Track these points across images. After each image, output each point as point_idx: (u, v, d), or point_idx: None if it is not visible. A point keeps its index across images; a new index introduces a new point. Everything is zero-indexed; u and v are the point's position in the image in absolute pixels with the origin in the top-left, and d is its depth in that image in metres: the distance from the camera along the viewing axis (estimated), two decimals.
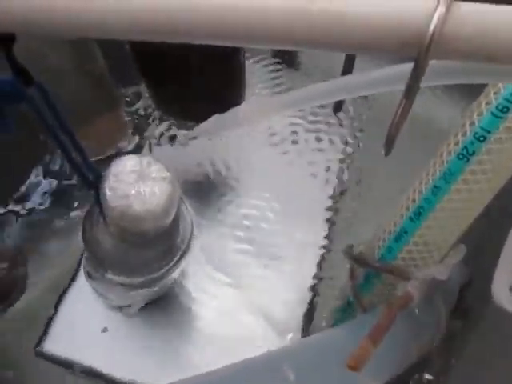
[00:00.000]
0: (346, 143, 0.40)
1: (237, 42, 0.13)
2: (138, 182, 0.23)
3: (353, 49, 0.14)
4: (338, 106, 0.37)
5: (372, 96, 0.41)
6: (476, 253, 0.31)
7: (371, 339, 0.20)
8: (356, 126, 0.40)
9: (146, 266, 0.27)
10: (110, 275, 0.27)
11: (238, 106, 0.25)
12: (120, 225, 0.23)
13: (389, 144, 0.18)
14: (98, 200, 0.23)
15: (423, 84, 0.16)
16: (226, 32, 0.14)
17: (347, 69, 0.29)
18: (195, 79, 0.35)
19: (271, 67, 0.44)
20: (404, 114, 0.17)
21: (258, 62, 0.44)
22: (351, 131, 0.40)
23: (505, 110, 0.22)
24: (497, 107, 0.22)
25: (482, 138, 0.22)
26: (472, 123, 0.23)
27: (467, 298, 0.34)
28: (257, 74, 0.43)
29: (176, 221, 0.28)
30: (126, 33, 0.15)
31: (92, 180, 0.23)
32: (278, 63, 0.44)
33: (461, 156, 0.23)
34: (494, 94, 0.22)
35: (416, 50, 0.14)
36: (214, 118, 0.28)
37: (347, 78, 0.19)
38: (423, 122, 0.40)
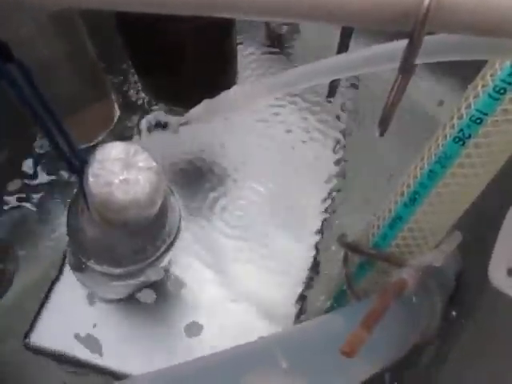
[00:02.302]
0: (342, 132, 0.39)
1: (218, 12, 0.13)
2: (122, 171, 0.22)
3: (344, 20, 0.14)
4: (332, 92, 0.37)
5: (367, 84, 0.41)
6: (472, 241, 0.31)
7: (365, 325, 0.20)
8: (352, 114, 0.40)
9: (131, 256, 0.27)
10: (93, 265, 0.27)
11: (229, 90, 0.25)
12: (102, 213, 0.22)
13: (383, 124, 0.18)
14: (82, 187, 0.23)
15: (419, 60, 0.16)
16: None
17: (342, 50, 0.28)
18: (186, 65, 0.34)
19: (264, 54, 0.43)
20: (399, 91, 0.16)
21: (250, 49, 0.43)
22: (347, 119, 0.40)
23: (502, 91, 0.21)
24: (494, 89, 0.21)
25: (478, 121, 0.22)
26: (468, 106, 0.22)
27: (463, 286, 0.33)
28: (249, 61, 0.42)
29: (163, 212, 0.27)
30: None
31: (77, 165, 0.23)
32: (271, 51, 0.43)
33: (457, 139, 0.23)
34: (491, 75, 0.22)
35: (411, 21, 0.13)
36: (205, 103, 0.27)
37: (340, 56, 0.18)
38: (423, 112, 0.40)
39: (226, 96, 0.24)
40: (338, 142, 0.39)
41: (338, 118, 0.39)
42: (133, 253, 0.27)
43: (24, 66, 0.19)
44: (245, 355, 0.18)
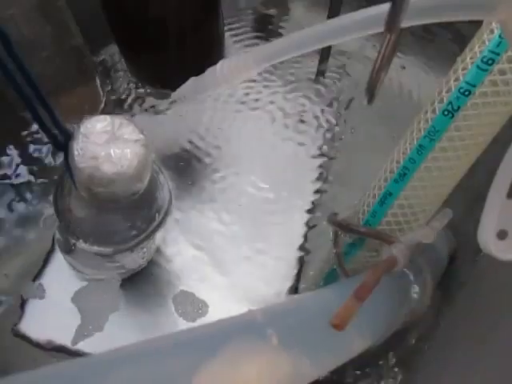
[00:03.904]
0: (332, 112, 0.39)
1: None
2: (108, 144, 0.22)
3: None
4: (321, 73, 0.37)
5: (355, 65, 0.41)
6: (462, 219, 0.31)
7: (356, 298, 0.20)
8: (341, 96, 0.40)
9: (119, 235, 0.26)
10: (82, 244, 0.26)
11: (215, 66, 0.24)
12: (89, 188, 0.22)
13: (371, 90, 0.17)
14: (68, 162, 0.22)
15: (405, 23, 0.15)
16: None
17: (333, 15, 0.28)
18: (173, 48, 0.34)
19: (252, 41, 0.43)
20: (389, 53, 0.16)
21: (238, 33, 0.42)
22: (336, 100, 0.39)
23: (490, 62, 0.21)
24: (482, 60, 0.21)
25: (467, 93, 0.22)
26: (457, 78, 0.22)
27: (456, 265, 0.34)
28: (237, 44, 0.42)
29: (152, 188, 0.27)
30: None
31: (61, 140, 0.22)
32: (259, 37, 0.43)
33: (446, 112, 0.23)
34: (479, 46, 0.22)
35: None
36: (191, 81, 0.27)
37: (328, 22, 0.18)
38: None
39: (212, 71, 0.24)
40: (329, 123, 0.39)
41: (330, 100, 0.39)
42: (122, 231, 0.26)
43: (4, 34, 0.19)
44: (233, 328, 0.17)
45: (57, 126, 0.22)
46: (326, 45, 0.18)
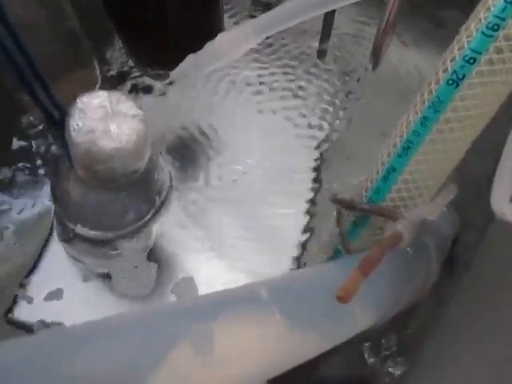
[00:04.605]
0: (332, 93, 0.39)
1: None
2: (105, 119, 0.21)
3: None
4: (322, 53, 0.36)
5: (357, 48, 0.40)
6: (467, 201, 0.31)
7: (361, 271, 0.19)
8: (341, 76, 0.39)
9: (119, 219, 0.26)
10: (80, 229, 0.26)
11: (213, 40, 0.24)
12: (87, 166, 0.21)
13: (376, 54, 0.17)
14: (64, 140, 0.22)
15: None
16: None
17: None
18: (171, 27, 0.33)
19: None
20: (395, 12, 0.15)
21: (237, 15, 0.42)
22: (336, 81, 0.39)
23: (495, 27, 0.20)
24: (487, 26, 0.21)
25: (472, 61, 0.21)
26: (461, 47, 0.22)
27: (459, 247, 0.33)
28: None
29: (151, 170, 0.26)
30: None
31: (57, 117, 0.22)
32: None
33: (450, 81, 0.22)
34: (484, 13, 0.21)
35: None
36: (190, 58, 0.26)
37: None
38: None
39: (210, 46, 0.24)
40: (328, 105, 0.38)
41: (329, 82, 0.39)
42: (121, 214, 0.26)
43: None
44: (234, 299, 0.17)
45: (53, 102, 0.21)
46: (327, 9, 0.18)
